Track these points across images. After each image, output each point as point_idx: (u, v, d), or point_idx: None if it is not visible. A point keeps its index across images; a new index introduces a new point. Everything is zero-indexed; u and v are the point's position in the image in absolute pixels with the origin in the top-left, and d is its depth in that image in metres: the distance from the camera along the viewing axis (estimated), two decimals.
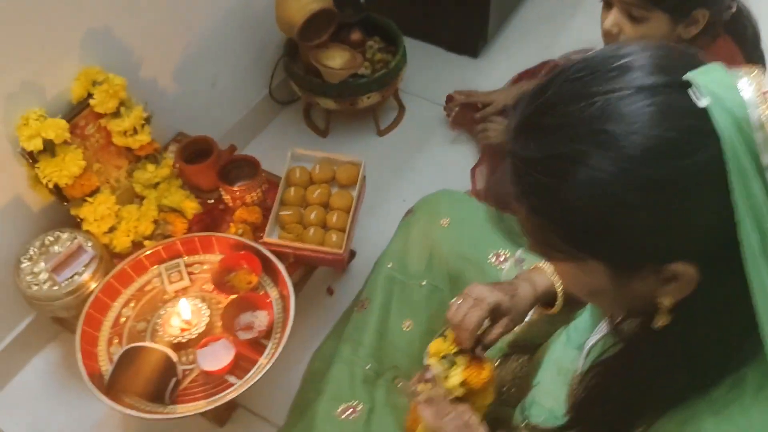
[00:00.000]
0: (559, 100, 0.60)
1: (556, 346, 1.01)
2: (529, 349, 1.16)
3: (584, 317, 0.94)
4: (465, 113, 1.89)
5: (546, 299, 1.02)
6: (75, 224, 1.38)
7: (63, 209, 1.38)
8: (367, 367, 1.23)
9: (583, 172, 0.57)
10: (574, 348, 0.94)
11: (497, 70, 2.05)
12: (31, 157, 1.26)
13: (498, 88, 1.92)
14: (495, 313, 0.96)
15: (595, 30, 2.02)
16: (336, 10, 1.66)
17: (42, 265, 1.32)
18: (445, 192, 1.35)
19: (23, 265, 1.32)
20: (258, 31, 1.79)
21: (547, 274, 1.02)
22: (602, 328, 0.88)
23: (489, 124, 1.81)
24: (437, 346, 1.01)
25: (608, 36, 1.33)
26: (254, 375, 1.21)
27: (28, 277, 1.30)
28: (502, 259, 1.23)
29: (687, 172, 0.55)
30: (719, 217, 0.55)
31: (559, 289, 1.00)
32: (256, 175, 1.43)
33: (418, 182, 1.81)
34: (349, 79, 1.74)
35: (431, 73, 2.07)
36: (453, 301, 0.98)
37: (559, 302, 1.00)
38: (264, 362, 1.24)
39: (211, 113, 1.75)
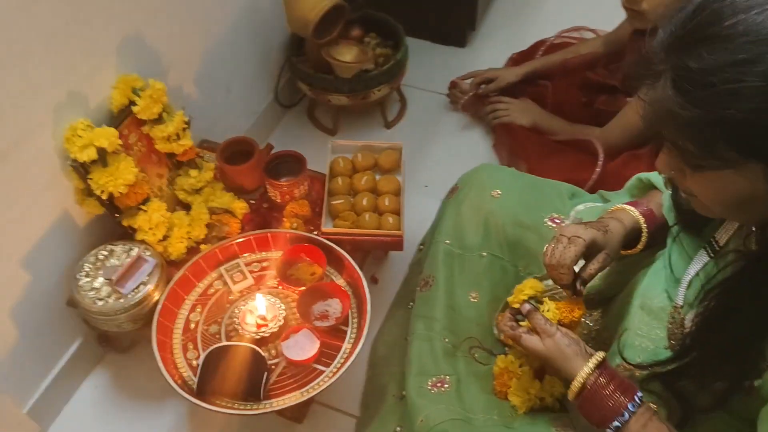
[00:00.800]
0: (729, 10, 0.66)
1: (634, 294, 1.07)
2: (601, 303, 1.21)
3: (674, 257, 0.99)
4: (473, 97, 1.95)
5: (630, 238, 1.05)
6: (124, 236, 1.35)
7: (108, 223, 1.35)
8: (446, 341, 1.25)
9: (762, 73, 0.63)
10: (662, 289, 1.00)
11: (485, 57, 2.12)
12: (83, 169, 1.23)
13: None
14: (591, 249, 0.99)
15: (574, 6, 2.13)
16: (346, 5, 1.69)
17: (101, 279, 1.28)
18: (486, 166, 1.40)
19: (81, 282, 1.28)
20: (264, 35, 1.80)
21: (631, 213, 1.06)
22: (700, 260, 0.93)
23: (498, 104, 1.87)
24: (530, 286, 1.04)
25: (631, 2, 1.41)
26: (346, 359, 1.21)
27: (91, 293, 1.26)
28: (558, 222, 1.28)
29: None
30: None
31: (644, 227, 1.05)
32: (302, 169, 1.44)
33: (435, 167, 1.85)
34: (360, 73, 1.77)
35: (424, 66, 2.12)
36: (547, 245, 1.01)
37: (643, 239, 1.05)
38: (348, 347, 1.25)
39: (227, 120, 1.74)
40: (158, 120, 1.33)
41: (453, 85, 2.00)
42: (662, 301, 0.99)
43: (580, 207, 1.28)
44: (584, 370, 0.91)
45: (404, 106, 2.03)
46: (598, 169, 1.57)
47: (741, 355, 0.81)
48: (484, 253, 1.28)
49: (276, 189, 1.43)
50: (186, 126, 1.37)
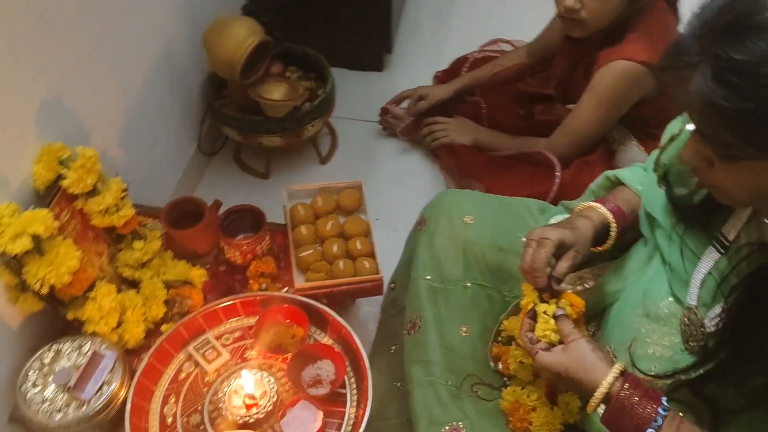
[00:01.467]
0: None
1: (629, 306, 1.05)
2: (593, 318, 1.18)
3: (674, 257, 0.98)
4: (409, 123, 1.90)
5: (600, 235, 1.04)
6: (68, 330, 1.16)
7: (47, 319, 1.16)
8: (449, 383, 1.17)
9: None
10: (667, 293, 0.98)
11: (405, 78, 2.08)
12: (16, 262, 1.04)
13: None
14: (560, 249, 0.98)
15: (486, 20, 2.12)
16: (271, 41, 1.59)
17: (53, 387, 1.09)
18: (449, 192, 1.35)
19: (29, 394, 1.08)
20: (183, 82, 1.66)
21: (599, 210, 1.05)
22: (711, 257, 0.92)
23: (434, 126, 1.82)
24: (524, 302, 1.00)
25: (569, 12, 1.41)
26: (356, 425, 1.10)
27: (44, 406, 1.07)
28: None
29: None
30: None
31: (613, 223, 1.04)
32: (261, 223, 1.31)
33: (381, 198, 1.77)
34: (291, 110, 1.67)
35: (346, 94, 2.04)
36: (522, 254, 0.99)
37: (613, 234, 1.04)
38: (353, 411, 1.14)
39: (153, 178, 1.58)
40: (93, 192, 1.17)
41: (384, 112, 1.94)
42: (670, 306, 0.96)
43: (553, 221, 1.25)
44: (609, 377, 0.86)
45: (335, 139, 1.94)
46: (557, 180, 1.56)
47: None
48: (468, 284, 1.22)
49: (235, 249, 1.29)
50: (125, 194, 1.21)
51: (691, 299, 0.91)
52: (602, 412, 0.88)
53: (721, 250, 0.89)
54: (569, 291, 1.00)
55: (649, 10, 1.44)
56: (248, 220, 1.33)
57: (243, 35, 1.50)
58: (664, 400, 0.85)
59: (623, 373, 0.88)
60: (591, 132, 1.55)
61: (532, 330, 0.97)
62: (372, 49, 2.10)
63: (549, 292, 0.97)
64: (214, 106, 1.70)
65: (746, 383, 0.84)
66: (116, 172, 1.23)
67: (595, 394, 0.87)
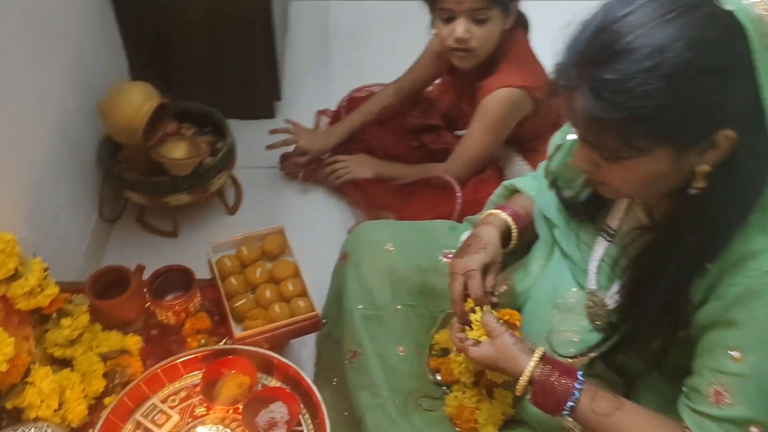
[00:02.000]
0: (627, 28, 0.78)
1: (540, 302, 1.18)
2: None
3: (572, 250, 1.12)
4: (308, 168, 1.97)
5: (504, 238, 1.18)
6: (5, 422, 1.12)
7: None
8: (396, 402, 1.24)
9: (668, 75, 0.76)
10: (572, 284, 1.12)
11: (297, 120, 2.13)
12: None
13: None
14: (486, 269, 1.11)
15: (364, 59, 2.24)
16: (168, 101, 1.61)
17: None
18: (367, 225, 1.43)
19: None
20: (80, 153, 1.65)
21: (500, 215, 1.19)
22: (601, 245, 1.06)
23: (335, 165, 1.90)
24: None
25: (461, 42, 1.54)
26: None
27: None
28: (450, 256, 1.35)
29: (736, 57, 0.78)
30: (751, 87, 0.79)
31: (513, 225, 1.18)
32: (191, 281, 1.32)
33: (295, 239, 1.81)
34: (196, 166, 1.69)
35: (242, 144, 2.05)
36: (449, 283, 1.11)
37: (514, 235, 1.18)
38: None
39: (61, 254, 1.54)
40: (14, 276, 1.14)
41: (285, 158, 1.99)
42: (576, 294, 1.11)
43: (463, 237, 1.37)
44: (530, 363, 0.98)
45: (240, 189, 1.97)
46: (459, 200, 1.68)
47: (671, 310, 0.93)
48: (398, 306, 1.30)
49: (167, 310, 1.30)
50: (46, 273, 1.19)
51: (591, 284, 1.06)
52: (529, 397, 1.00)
53: (609, 238, 1.05)
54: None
55: (512, 40, 1.61)
56: (176, 279, 1.34)
57: (140, 100, 1.52)
58: (579, 374, 0.98)
59: (542, 358, 0.99)
60: (483, 154, 1.70)
61: (462, 332, 1.08)
62: (262, 97, 2.16)
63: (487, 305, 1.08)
64: (113, 172, 1.69)
65: (645, 348, 0.98)
66: (33, 252, 1.21)
67: (520, 380, 0.99)
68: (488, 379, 1.16)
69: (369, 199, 1.81)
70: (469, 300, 1.09)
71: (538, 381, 0.97)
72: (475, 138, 1.68)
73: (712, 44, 0.77)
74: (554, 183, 1.14)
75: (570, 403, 0.95)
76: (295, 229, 1.85)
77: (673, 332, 0.95)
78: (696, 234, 0.88)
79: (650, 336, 0.98)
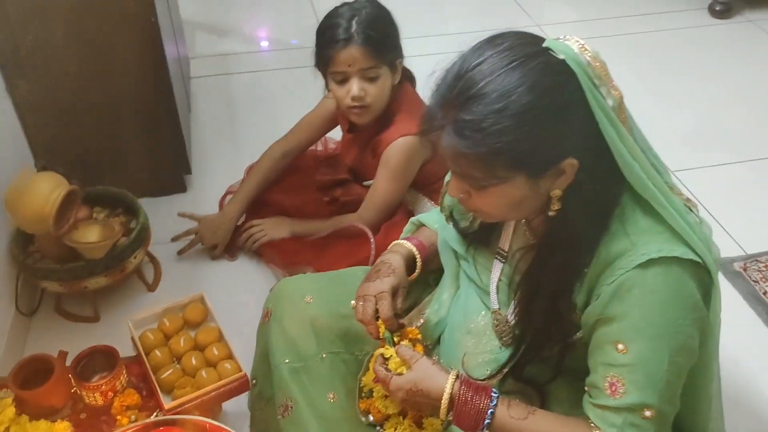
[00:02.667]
0: (479, 76, 0.91)
1: (455, 329, 1.28)
2: (431, 349, 1.39)
3: (475, 276, 1.23)
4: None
5: (409, 266, 1.27)
6: None
7: None
8: None
9: (515, 115, 0.89)
10: (480, 308, 1.23)
11: (210, 193, 2.20)
12: None
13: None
14: (395, 291, 1.20)
15: (268, 124, 2.32)
16: (77, 188, 1.64)
17: None
18: (285, 281, 1.48)
19: None
20: None
21: (404, 245, 1.28)
22: (497, 267, 1.18)
23: (250, 230, 1.96)
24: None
25: (357, 99, 1.66)
26: None
27: None
28: None
29: (570, 97, 0.92)
30: (587, 120, 0.93)
31: (416, 253, 1.28)
32: (116, 360, 1.34)
33: (221, 306, 1.84)
34: (111, 247, 1.71)
35: (158, 221, 2.08)
36: (353, 302, 1.20)
37: (418, 263, 1.27)
38: None
39: None
40: None
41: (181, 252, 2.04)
42: (485, 317, 1.22)
43: (379, 285, 1.46)
44: (449, 381, 1.05)
45: (158, 265, 2.00)
46: (373, 245, 1.78)
47: (557, 319, 1.04)
48: (323, 355, 1.35)
49: (94, 391, 1.31)
50: None
51: (494, 304, 1.17)
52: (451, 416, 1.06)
53: (503, 260, 1.16)
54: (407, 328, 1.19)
55: (403, 93, 1.76)
56: (100, 360, 1.35)
57: (48, 189, 1.54)
58: (492, 391, 1.05)
59: (458, 376, 1.07)
60: (391, 199, 1.82)
61: (384, 364, 1.13)
62: (171, 173, 2.20)
63: (394, 329, 1.15)
64: (26, 264, 1.69)
65: (546, 357, 1.08)
66: None
67: (443, 398, 1.05)
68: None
69: (286, 257, 1.88)
70: (381, 326, 1.16)
71: (457, 400, 1.04)
72: (381, 186, 1.79)
73: (549, 87, 0.90)
74: (451, 216, 1.26)
75: (487, 420, 1.03)
76: (218, 297, 1.88)
77: (566, 337, 1.06)
78: (562, 249, 1.01)
79: (548, 343, 1.08)
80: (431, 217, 1.37)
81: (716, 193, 2.28)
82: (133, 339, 1.43)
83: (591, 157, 0.95)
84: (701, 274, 0.98)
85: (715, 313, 1.03)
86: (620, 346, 0.97)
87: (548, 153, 0.93)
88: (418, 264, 1.27)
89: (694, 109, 2.73)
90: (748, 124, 2.66)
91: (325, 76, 1.73)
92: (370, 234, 1.80)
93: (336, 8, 1.68)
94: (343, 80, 1.66)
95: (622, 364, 0.97)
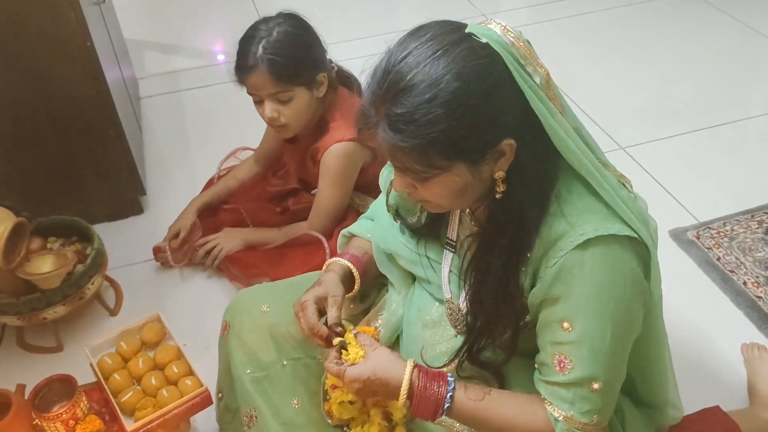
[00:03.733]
0: (407, 68, 0.92)
1: (411, 324, 1.30)
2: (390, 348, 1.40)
3: (426, 271, 1.24)
4: (180, 250, 2.01)
5: (349, 281, 1.28)
6: None
7: None
8: None
9: (444, 103, 0.90)
10: (434, 301, 1.25)
11: (168, 212, 2.17)
12: None
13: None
14: (320, 303, 1.21)
15: (221, 136, 2.33)
16: (26, 220, 1.63)
17: None
18: (242, 292, 1.49)
19: None
20: None
21: (339, 262, 1.29)
22: (447, 258, 1.20)
23: (206, 246, 1.96)
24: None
25: (273, 121, 1.69)
26: None
27: None
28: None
29: (498, 79, 0.93)
30: (518, 100, 0.94)
31: (353, 268, 1.28)
32: (73, 388, 1.34)
33: (184, 324, 1.84)
34: (66, 276, 1.71)
35: (117, 244, 2.08)
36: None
37: (356, 276, 1.28)
38: None
39: None
40: None
41: (157, 251, 2.04)
42: (438, 309, 1.24)
43: (304, 296, 1.47)
44: (407, 369, 1.06)
45: (118, 289, 1.99)
46: (327, 251, 1.79)
47: (507, 302, 1.06)
48: (284, 362, 1.35)
49: (55, 421, 1.31)
50: None
51: (447, 294, 1.18)
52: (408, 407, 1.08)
53: (452, 250, 1.18)
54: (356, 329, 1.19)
55: (337, 100, 1.78)
56: (58, 390, 1.35)
57: None
58: (448, 376, 1.08)
59: (415, 365, 1.08)
60: (337, 205, 1.83)
61: (338, 358, 1.13)
62: (125, 196, 2.20)
63: (332, 338, 1.15)
64: None
65: (498, 340, 1.10)
66: None
67: (401, 386, 1.06)
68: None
69: (244, 270, 1.88)
70: (347, 327, 1.17)
71: (416, 388, 1.06)
72: (325, 193, 1.81)
73: (476, 72, 0.91)
74: (398, 213, 1.27)
75: (446, 405, 1.05)
76: (181, 315, 1.89)
77: (517, 320, 1.08)
78: (508, 231, 1.02)
79: (500, 327, 1.10)
80: (362, 225, 1.37)
81: (668, 166, 2.33)
82: (91, 365, 1.42)
83: (528, 136, 0.96)
84: (639, 249, 1.01)
85: (655, 284, 1.06)
86: (565, 325, 1.00)
87: (483, 137, 0.94)
88: (356, 277, 1.28)
89: (644, 86, 2.78)
90: (695, 95, 2.71)
91: None
92: (323, 240, 1.81)
93: (253, 25, 1.67)
94: (259, 101, 1.68)
95: (568, 341, 1.00)
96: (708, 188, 2.23)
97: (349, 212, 1.87)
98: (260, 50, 1.60)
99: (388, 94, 0.93)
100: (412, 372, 1.06)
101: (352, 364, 1.09)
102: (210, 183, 2.20)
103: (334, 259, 1.29)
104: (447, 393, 1.05)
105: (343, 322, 1.19)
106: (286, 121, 1.69)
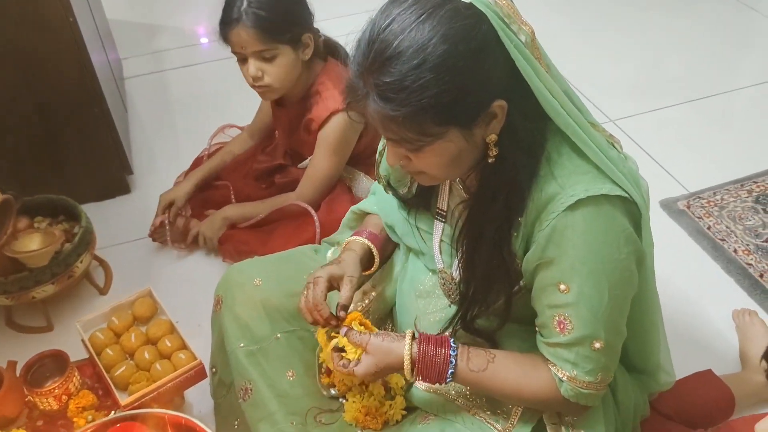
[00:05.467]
0: (392, 36, 0.90)
1: (405, 294, 1.30)
2: (386, 318, 1.40)
3: (417, 242, 1.24)
4: (172, 229, 2.00)
5: (368, 259, 1.29)
6: None
7: None
8: (293, 424, 1.29)
9: (434, 67, 0.88)
10: (427, 271, 1.25)
11: (155, 191, 2.14)
12: None
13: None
14: (334, 283, 1.20)
15: (207, 114, 2.28)
16: (11, 198, 1.60)
17: None
18: (233, 267, 1.48)
19: None
20: None
21: (358, 240, 1.29)
22: (438, 228, 1.20)
23: (199, 230, 1.94)
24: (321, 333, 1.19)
25: (256, 80, 1.65)
26: None
27: None
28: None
29: (484, 39, 0.91)
30: (505, 60, 0.93)
31: (372, 246, 1.28)
32: (66, 363, 1.33)
33: (176, 301, 1.80)
34: (55, 254, 1.68)
35: (106, 224, 2.05)
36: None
37: (376, 254, 1.28)
38: None
39: None
40: None
41: (157, 227, 2.01)
42: (431, 279, 1.24)
43: (329, 254, 1.46)
44: (406, 347, 1.08)
45: (108, 268, 1.97)
46: (317, 222, 1.77)
47: (501, 268, 1.06)
48: (278, 335, 1.36)
49: (47, 396, 1.29)
50: None
51: (439, 263, 1.18)
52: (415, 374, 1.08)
53: (442, 219, 1.17)
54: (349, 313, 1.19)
55: (327, 68, 1.75)
56: (50, 366, 1.34)
57: None
58: (451, 341, 1.08)
59: (414, 338, 1.09)
60: (330, 175, 1.81)
61: (340, 358, 1.14)
62: (112, 176, 2.17)
63: (334, 321, 1.16)
64: None
65: (492, 307, 1.10)
66: None
67: (404, 365, 1.07)
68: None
69: (237, 249, 1.87)
70: (322, 332, 1.18)
71: (418, 359, 1.07)
72: (320, 163, 1.78)
73: (462, 33, 0.89)
74: (389, 185, 1.26)
75: (450, 370, 1.06)
76: (174, 292, 1.87)
77: (510, 286, 1.08)
78: (501, 195, 1.01)
79: (492, 294, 1.10)
80: (369, 202, 1.37)
81: (658, 137, 2.33)
82: (83, 340, 1.41)
83: (518, 97, 0.95)
84: (630, 208, 1.01)
85: (647, 243, 1.06)
86: (562, 287, 0.99)
87: (475, 99, 0.92)
88: (376, 255, 1.28)
89: (634, 59, 2.78)
90: (684, 68, 2.72)
91: None
92: (312, 211, 1.80)
93: None
94: (243, 60, 1.64)
95: (567, 303, 1.00)
96: (698, 159, 2.24)
97: (338, 184, 1.85)
98: (245, 3, 1.57)
99: (375, 64, 0.91)
100: (411, 346, 1.07)
101: (357, 360, 1.11)
102: (199, 161, 2.17)
103: (354, 237, 1.28)
104: (450, 357, 1.06)
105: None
106: (269, 81, 1.66)
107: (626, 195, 0.99)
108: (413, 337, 1.09)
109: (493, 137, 0.97)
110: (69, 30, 1.81)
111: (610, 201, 0.98)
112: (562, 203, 0.97)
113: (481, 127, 0.96)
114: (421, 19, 0.89)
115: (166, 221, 1.98)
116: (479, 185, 1.05)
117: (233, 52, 1.66)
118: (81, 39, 1.84)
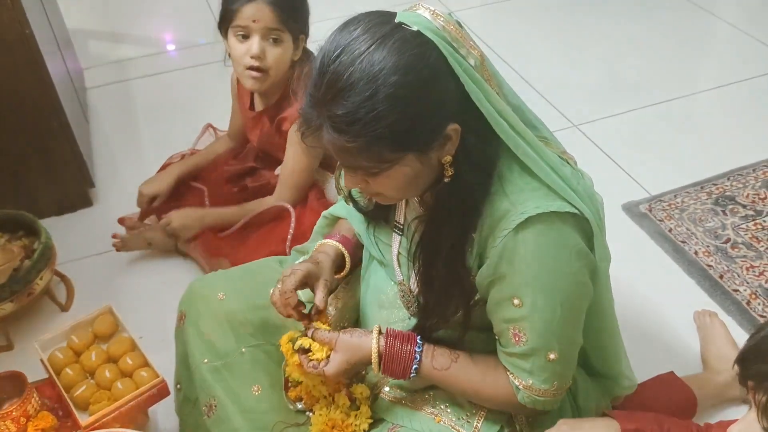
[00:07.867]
0: (342, 68, 0.90)
1: (368, 304, 1.30)
2: (353, 325, 1.40)
3: (378, 253, 1.25)
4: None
5: (340, 263, 1.29)
6: None
7: None
8: None
9: (386, 98, 0.89)
10: (388, 282, 1.26)
11: (119, 203, 2.13)
12: None
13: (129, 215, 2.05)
14: (310, 280, 1.20)
15: (171, 129, 2.25)
16: None
17: None
18: (196, 281, 1.47)
19: None
20: None
21: (330, 244, 1.29)
22: (396, 240, 1.21)
23: (165, 220, 1.90)
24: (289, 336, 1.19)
25: (258, 59, 1.63)
26: None
27: None
28: None
29: (434, 65, 0.92)
30: (457, 84, 0.94)
31: (344, 250, 1.29)
32: (23, 385, 1.30)
33: (139, 316, 1.79)
34: (12, 272, 1.65)
35: (67, 239, 2.02)
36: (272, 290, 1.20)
37: (347, 258, 1.28)
38: None
39: None
40: None
41: (120, 232, 1.98)
42: (393, 290, 1.24)
43: (296, 265, 1.45)
44: (373, 341, 1.11)
45: (69, 284, 1.93)
46: (293, 219, 1.75)
47: (456, 282, 1.07)
48: (243, 349, 1.35)
49: (6, 419, 1.26)
50: None
51: (398, 276, 1.19)
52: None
53: (400, 233, 1.18)
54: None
55: (305, 73, 1.74)
56: (8, 388, 1.31)
57: None
58: (418, 338, 1.11)
59: (381, 332, 1.11)
60: (304, 175, 1.80)
61: (309, 360, 1.14)
62: (73, 189, 2.13)
63: (307, 320, 1.17)
64: None
65: (450, 320, 1.11)
66: None
67: (372, 358, 1.10)
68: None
69: (208, 252, 1.85)
70: (287, 341, 1.18)
71: (384, 353, 1.10)
72: (292, 163, 1.77)
73: (412, 62, 0.90)
74: (350, 196, 1.26)
75: (414, 366, 1.10)
76: (137, 309, 1.84)
77: (467, 299, 1.09)
78: (456, 212, 1.02)
79: (450, 307, 1.11)
80: (340, 207, 1.37)
81: (619, 141, 2.36)
82: (41, 360, 1.38)
83: (471, 119, 0.96)
84: (582, 224, 1.03)
85: (601, 257, 1.08)
86: (516, 301, 1.02)
87: (429, 125, 0.93)
88: (347, 259, 1.28)
89: (595, 64, 2.81)
90: (644, 73, 2.76)
91: (227, 32, 1.67)
92: (291, 209, 1.78)
93: None
94: (245, 36, 1.63)
95: (521, 316, 1.02)
96: (659, 162, 2.27)
97: (312, 189, 1.84)
98: None
99: (327, 95, 0.91)
100: (379, 340, 1.10)
101: (327, 359, 1.12)
102: (169, 164, 2.14)
103: (327, 240, 1.28)
104: (415, 353, 1.09)
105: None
106: (270, 64, 1.64)
107: (576, 211, 1.00)
108: (380, 332, 1.11)
109: (448, 158, 0.98)
110: (25, 42, 1.79)
111: (560, 218, 1.00)
112: (513, 221, 0.98)
113: (437, 150, 0.97)
114: (371, 49, 0.89)
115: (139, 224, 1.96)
116: (435, 203, 1.06)
117: (237, 26, 1.62)
118: (38, 52, 1.81)
